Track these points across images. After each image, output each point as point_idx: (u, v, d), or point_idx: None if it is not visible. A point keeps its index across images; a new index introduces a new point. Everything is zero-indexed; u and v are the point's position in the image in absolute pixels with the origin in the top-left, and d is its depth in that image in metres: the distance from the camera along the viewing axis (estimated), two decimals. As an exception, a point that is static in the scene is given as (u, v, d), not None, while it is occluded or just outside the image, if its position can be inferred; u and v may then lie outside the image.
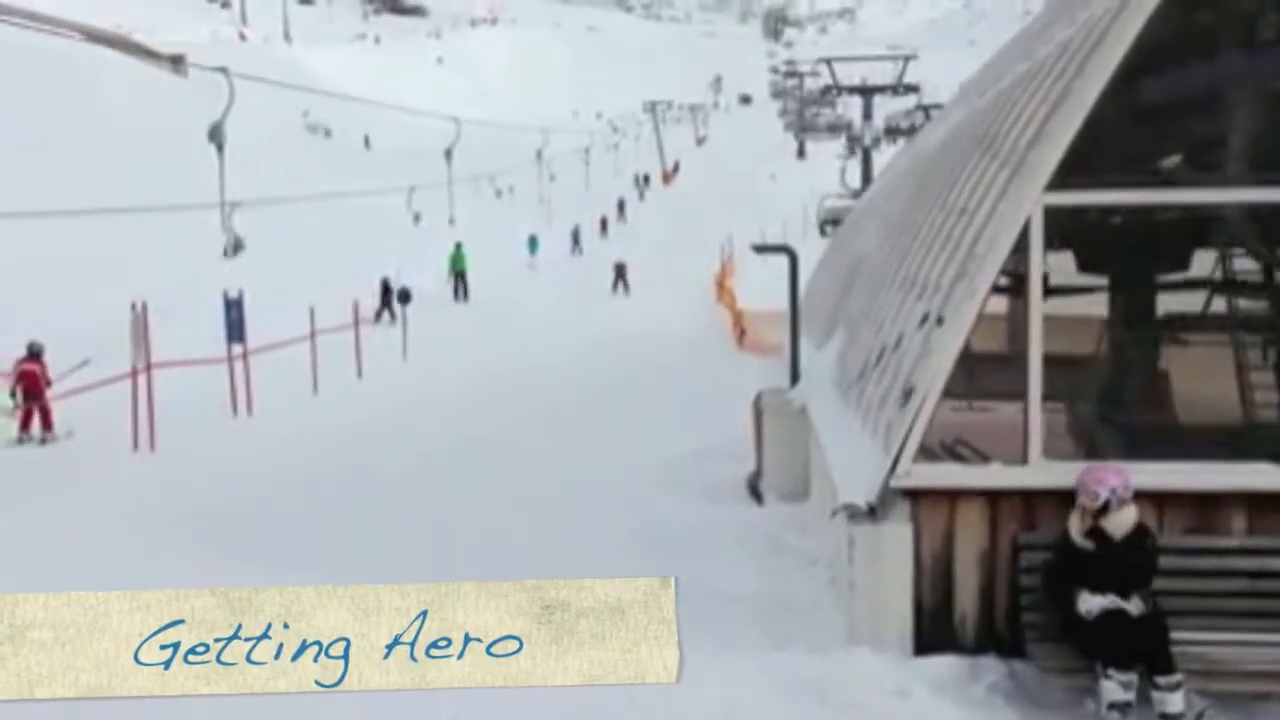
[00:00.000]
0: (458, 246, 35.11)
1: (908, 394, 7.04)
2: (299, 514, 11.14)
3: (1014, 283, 7.35)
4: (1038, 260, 6.80)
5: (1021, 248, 6.71)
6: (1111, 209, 7.95)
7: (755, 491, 11.36)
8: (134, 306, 15.62)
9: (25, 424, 15.89)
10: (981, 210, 7.45)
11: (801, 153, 76.13)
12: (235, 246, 26.03)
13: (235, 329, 18.22)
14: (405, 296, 25.67)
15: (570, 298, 34.29)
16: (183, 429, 15.21)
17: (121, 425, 14.82)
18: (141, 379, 15.11)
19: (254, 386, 17.82)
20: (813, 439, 10.30)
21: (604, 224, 52.38)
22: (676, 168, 79.75)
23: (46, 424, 15.90)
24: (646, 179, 72.46)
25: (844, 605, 7.39)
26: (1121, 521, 5.95)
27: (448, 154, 38.90)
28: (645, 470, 12.52)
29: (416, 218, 41.86)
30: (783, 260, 14.23)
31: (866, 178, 36.33)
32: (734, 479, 11.60)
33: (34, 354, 16.27)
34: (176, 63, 25.88)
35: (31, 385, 15.91)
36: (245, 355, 17.96)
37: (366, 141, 36.92)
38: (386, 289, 28.83)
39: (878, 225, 13.98)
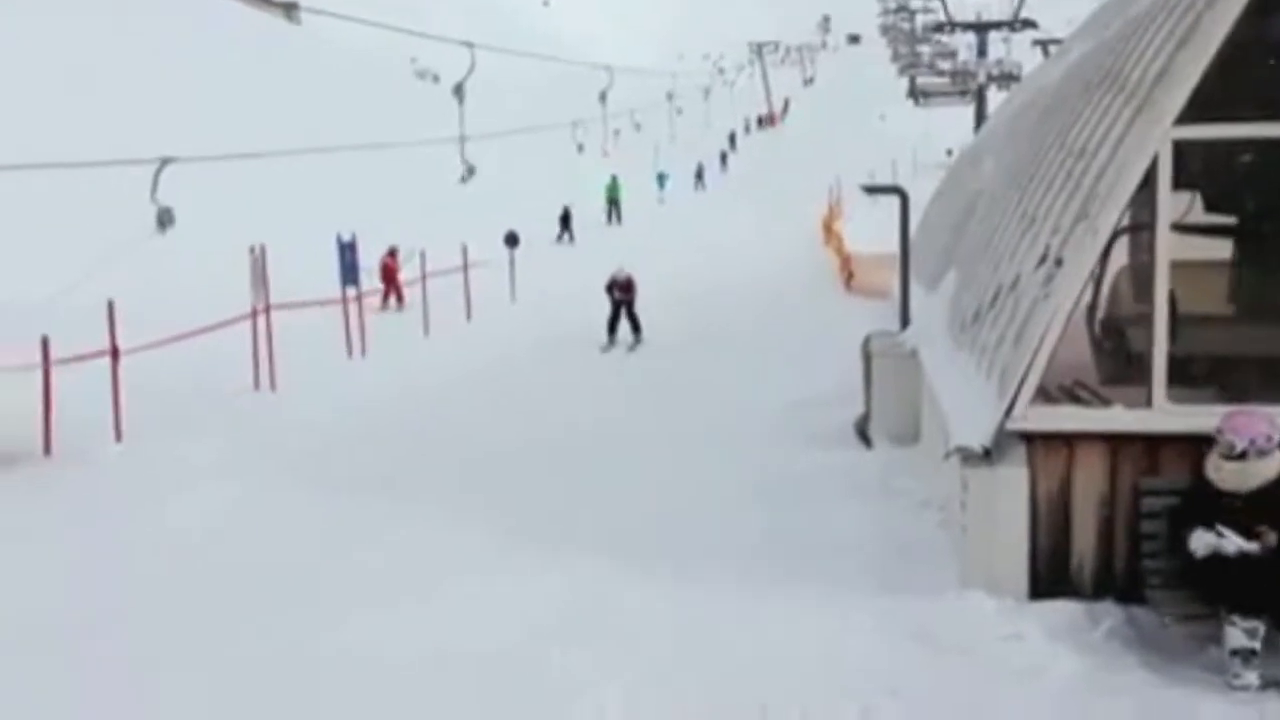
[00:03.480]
0: (613, 178, 40.88)
1: (1023, 335, 6.89)
2: (408, 450, 11.40)
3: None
4: (1165, 198, 6.59)
5: (1147, 185, 6.50)
6: (1242, 144, 7.62)
7: (864, 435, 11.26)
8: (252, 249, 16.03)
9: (385, 299, 23.42)
10: (1104, 148, 7.21)
11: (912, 92, 74.37)
12: (470, 173, 33.63)
13: (349, 272, 18.60)
14: (513, 240, 25.87)
15: (692, 233, 34.81)
16: (302, 369, 15.60)
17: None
18: (261, 320, 15.54)
19: (369, 327, 18.21)
20: (924, 382, 10.16)
21: (700, 173, 52.05)
22: (785, 109, 78.64)
23: (400, 299, 23.54)
24: (760, 120, 71.87)
25: (956, 549, 7.32)
26: (1258, 472, 5.74)
27: (602, 96, 47.38)
28: (752, 414, 12.50)
29: (581, 147, 48.55)
30: (892, 202, 13.97)
31: (980, 117, 35.36)
32: (842, 423, 11.50)
33: (391, 252, 23.93)
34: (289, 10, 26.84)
35: (388, 273, 23.49)
36: (360, 297, 18.36)
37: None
38: (566, 215, 35.71)
39: (994, 163, 13.61)
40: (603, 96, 47.88)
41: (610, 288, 18.95)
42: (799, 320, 19.99)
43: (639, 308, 18.97)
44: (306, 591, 7.43)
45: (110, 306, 12.83)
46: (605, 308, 18.92)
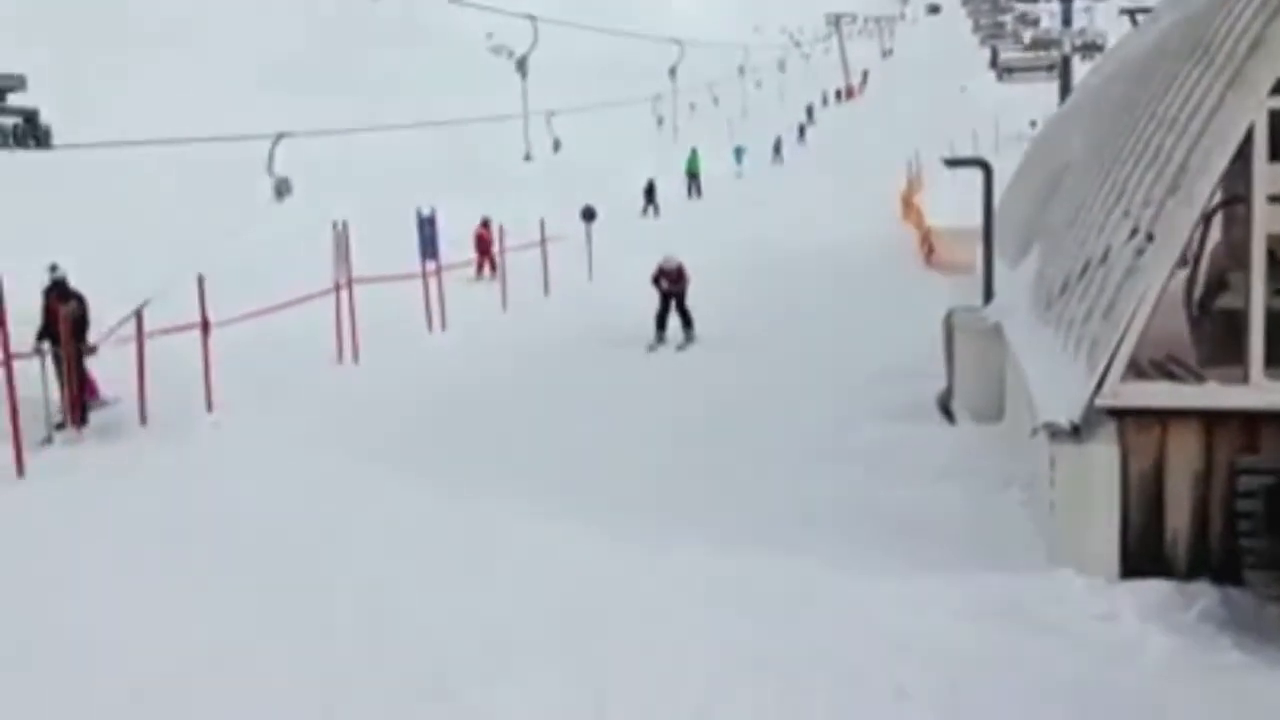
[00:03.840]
0: (693, 152, 40.92)
1: (1114, 309, 6.76)
2: (482, 430, 11.53)
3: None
4: (1262, 169, 6.42)
5: (1241, 157, 6.34)
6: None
7: (946, 410, 11.14)
8: (334, 225, 16.25)
9: (480, 268, 23.95)
10: (1195, 120, 7.03)
11: (994, 63, 72.92)
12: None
13: (428, 246, 18.77)
14: (590, 214, 25.88)
15: (769, 207, 34.79)
16: (384, 342, 15.81)
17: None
18: (344, 294, 15.77)
19: (448, 301, 18.38)
20: (1008, 357, 10.02)
21: (778, 147, 51.62)
22: (864, 81, 77.63)
23: (493, 268, 23.56)
24: (839, 93, 71.18)
25: (1042, 527, 7.23)
26: None
27: (672, 71, 47.63)
28: (831, 388, 12.44)
29: (660, 120, 50.04)
30: (972, 175, 13.72)
31: (1065, 88, 34.56)
32: (923, 398, 11.39)
33: (484, 223, 24.37)
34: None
35: (482, 243, 24.11)
36: (439, 271, 18.52)
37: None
38: (650, 188, 36.10)
39: (1081, 135, 13.32)
40: (672, 71, 47.70)
41: (657, 278, 17.26)
42: (877, 295, 19.80)
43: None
44: (383, 562, 7.55)
45: (200, 281, 13.11)
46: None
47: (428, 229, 18.83)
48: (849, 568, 6.89)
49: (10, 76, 11.51)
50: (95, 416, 12.17)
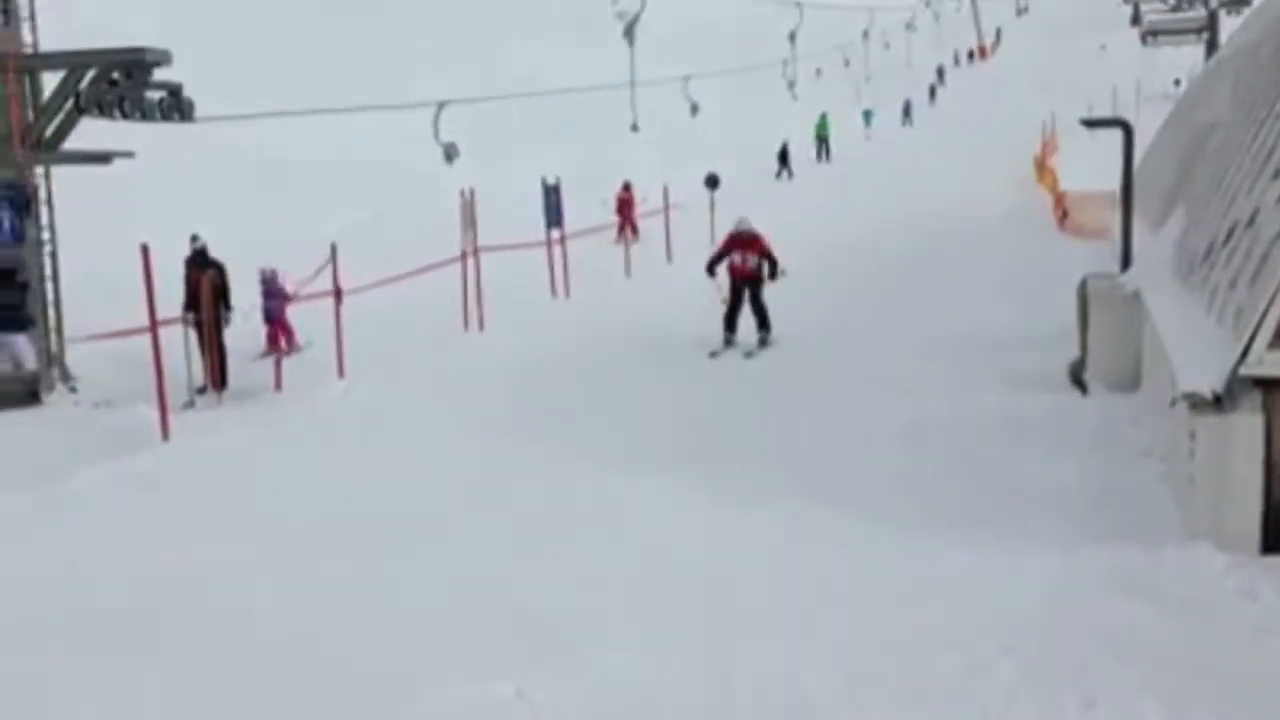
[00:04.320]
0: (823, 116, 40.76)
1: (1261, 274, 6.45)
2: (610, 394, 11.59)
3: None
4: None
5: None
6: None
7: (1079, 380, 10.81)
8: (462, 193, 16.50)
9: (621, 231, 24.02)
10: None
11: (1136, 19, 69.93)
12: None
13: (553, 214, 18.94)
14: (714, 182, 25.77)
15: (899, 170, 34.40)
16: (509, 309, 16.03)
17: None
18: (470, 261, 16.02)
19: (571, 268, 18.52)
20: (1146, 325, 9.67)
21: (907, 109, 50.55)
22: (997, 41, 75.39)
23: (634, 232, 23.97)
24: (971, 54, 69.36)
25: (1180, 500, 6.98)
26: None
27: (792, 36, 46.25)
28: (961, 355, 12.19)
29: (791, 85, 48.15)
30: (1110, 137, 13.22)
31: (1212, 45, 33.05)
32: (1055, 367, 11.08)
33: (626, 186, 24.91)
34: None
35: (624, 207, 24.54)
36: (563, 239, 18.66)
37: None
38: (784, 151, 36.34)
39: (1229, 94, 12.72)
40: (792, 36, 47.65)
41: (725, 252, 14.31)
42: (1008, 260, 19.32)
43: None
44: (509, 525, 7.67)
45: (333, 248, 13.47)
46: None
47: (552, 197, 19.00)
48: (976, 540, 6.76)
49: (157, 51, 11.95)
50: (234, 383, 12.63)
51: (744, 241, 14.28)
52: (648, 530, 7.36)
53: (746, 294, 14.18)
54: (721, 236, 15.20)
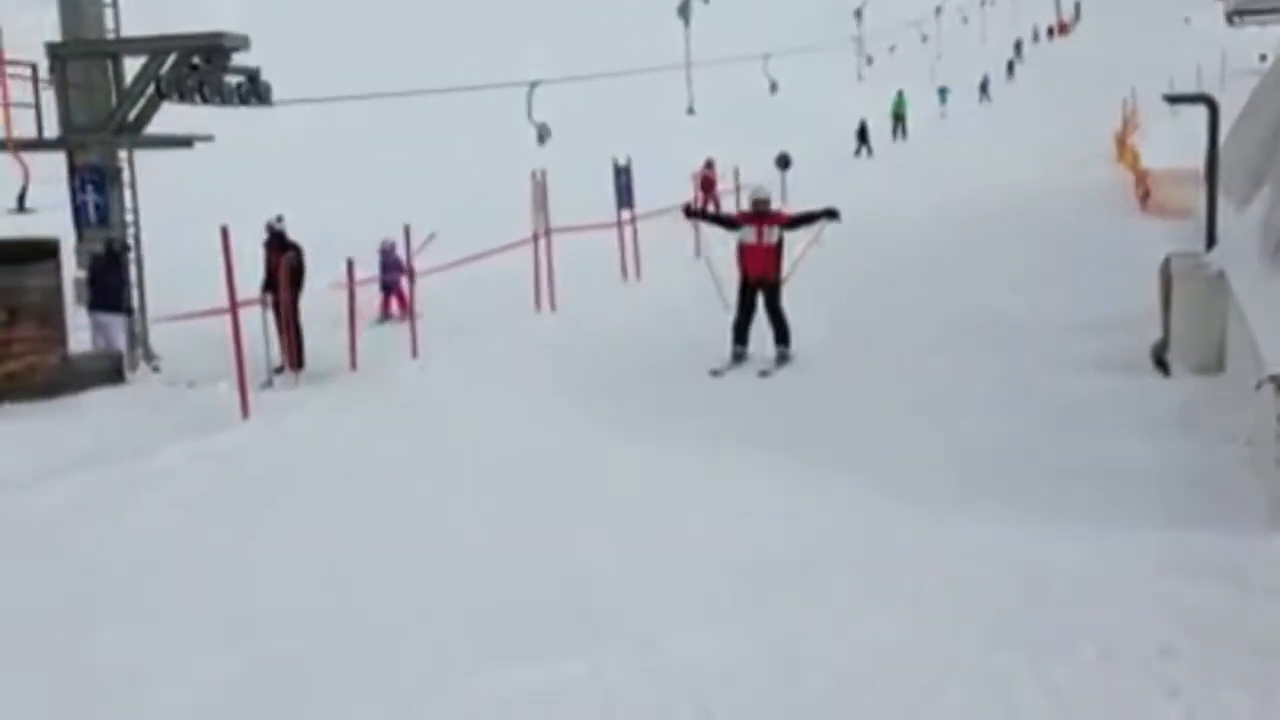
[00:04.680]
0: (899, 94, 40.45)
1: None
2: (677, 373, 11.56)
3: None
4: None
5: None
6: None
7: (1161, 362, 10.57)
8: (534, 175, 16.56)
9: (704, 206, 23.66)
10: None
11: (1220, -7, 67.91)
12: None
13: (624, 194, 18.94)
14: (785, 162, 25.64)
15: (975, 148, 34.14)
16: (580, 290, 16.08)
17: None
18: (541, 243, 16.09)
19: (642, 249, 18.51)
20: (1231, 306, 9.44)
21: (984, 86, 49.64)
22: (1077, 15, 73.84)
23: (717, 207, 23.03)
24: (1050, 29, 68.09)
25: (1266, 486, 6.81)
26: None
27: (858, 13, 47.53)
28: (1041, 337, 12.00)
29: (870, 60, 51.03)
30: (1193, 114, 12.88)
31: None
32: (1135, 349, 10.85)
33: (709, 164, 25.65)
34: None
35: (707, 184, 24.83)
36: (634, 220, 18.65)
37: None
38: (863, 129, 36.25)
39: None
40: (858, 13, 47.06)
41: (731, 222, 12.49)
42: (1087, 239, 18.95)
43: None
44: (579, 504, 7.70)
45: (406, 230, 13.62)
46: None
47: (623, 178, 18.99)
48: (1056, 520, 6.66)
49: (235, 36, 12.17)
50: (310, 363, 12.83)
51: (760, 215, 11.94)
52: (722, 512, 7.35)
53: (760, 298, 11.82)
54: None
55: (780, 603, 5.84)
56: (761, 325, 11.88)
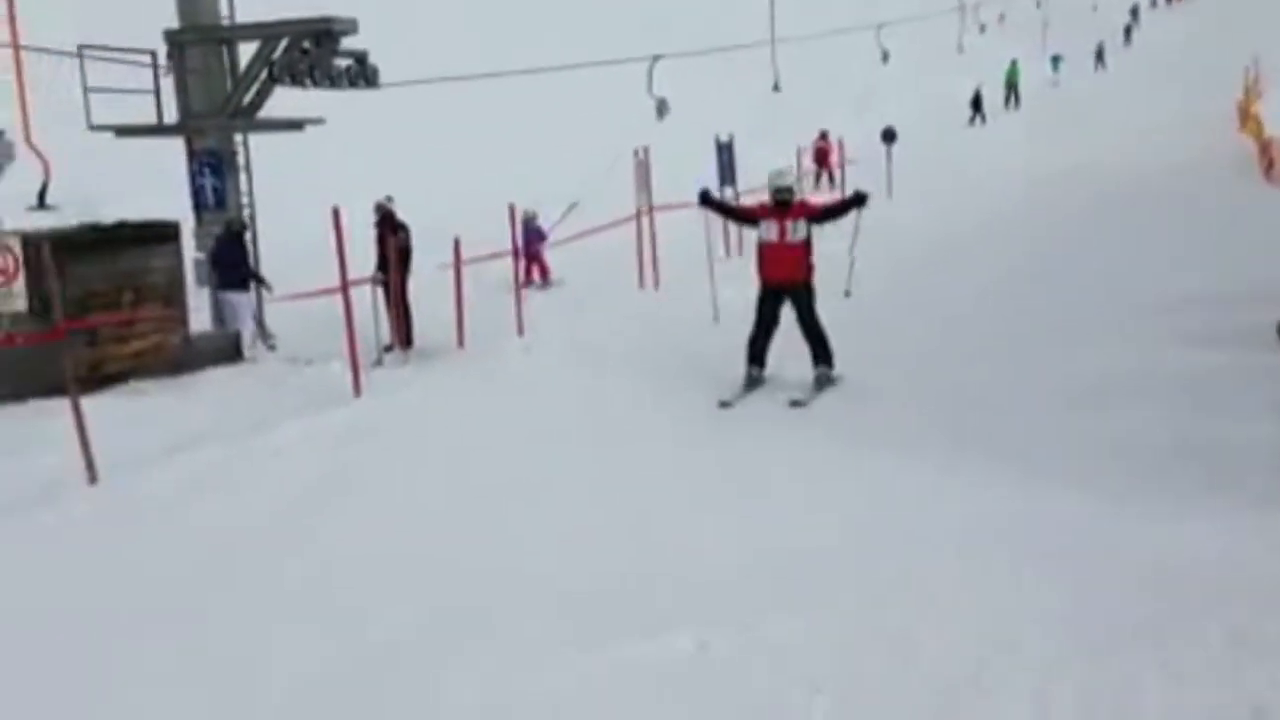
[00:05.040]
0: (1013, 63, 40.32)
1: None
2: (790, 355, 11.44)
3: None
4: None
5: None
6: None
7: (1289, 338, 10.17)
8: (636, 152, 16.56)
9: (818, 180, 25.38)
10: None
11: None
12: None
13: (726, 172, 18.84)
14: (891, 136, 25.24)
15: (1089, 117, 33.70)
16: (683, 268, 16.05)
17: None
18: (645, 221, 16.10)
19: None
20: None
21: (1100, 53, 48.16)
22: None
23: (831, 179, 24.76)
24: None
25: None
26: None
27: None
28: (1161, 311, 11.64)
29: (983, 28, 51.18)
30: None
31: None
32: (1256, 324, 10.45)
33: (823, 135, 26.24)
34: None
35: (822, 155, 26.12)
36: (737, 197, 18.53)
37: None
38: (977, 98, 36.55)
39: None
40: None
41: (749, 217, 10.34)
42: (1208, 210, 18.35)
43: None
44: (678, 486, 7.71)
45: (510, 209, 13.74)
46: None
47: (725, 155, 18.90)
48: (1182, 496, 6.47)
49: (344, 20, 12.40)
50: (419, 341, 13.05)
51: (782, 208, 9.82)
52: (834, 494, 7.28)
53: (790, 307, 9.91)
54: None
55: (893, 593, 5.75)
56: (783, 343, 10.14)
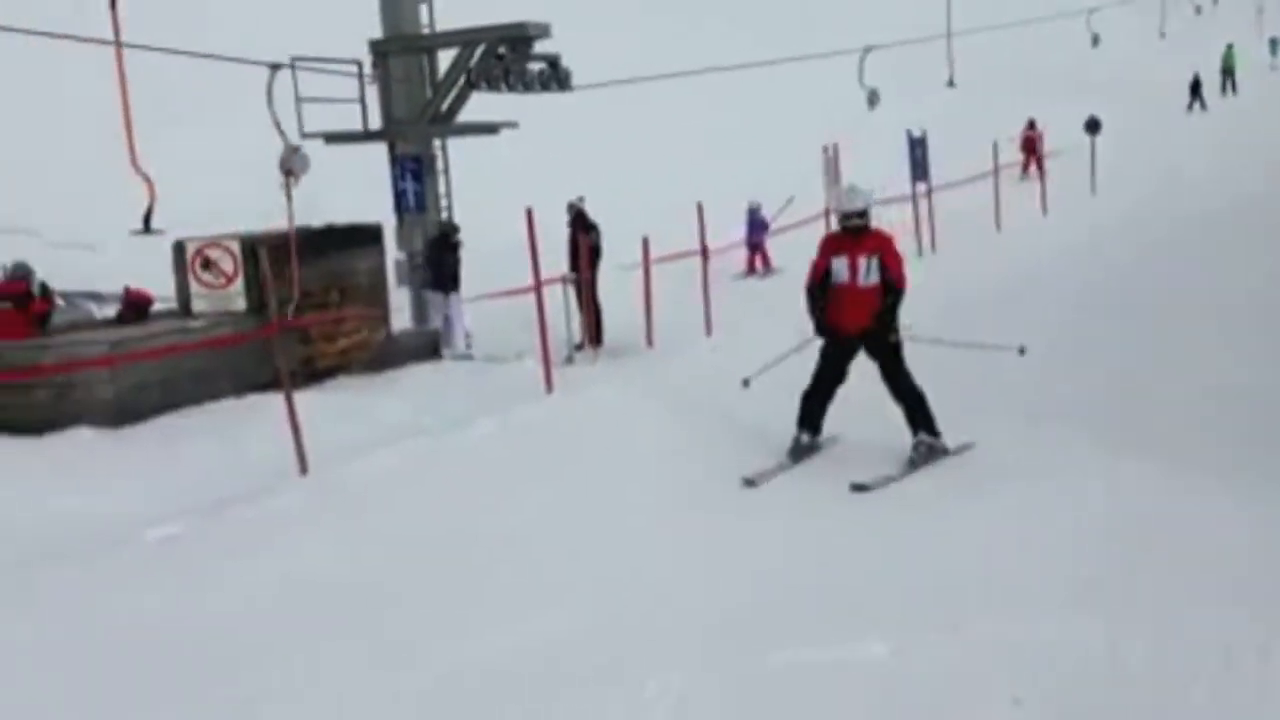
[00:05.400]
0: (1229, 47, 39.13)
1: None
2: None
3: None
4: None
5: None
6: None
7: None
8: (825, 149, 16.41)
9: (1025, 169, 25.11)
10: None
11: None
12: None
13: (919, 167, 18.47)
14: (1095, 126, 24.25)
15: None
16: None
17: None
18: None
19: (941, 224, 18.02)
20: None
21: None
22: None
23: (1040, 169, 24.21)
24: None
25: None
26: None
27: None
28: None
29: (1198, 9, 49.26)
30: None
31: None
32: None
33: (1030, 124, 25.61)
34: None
35: (1029, 144, 25.51)
36: (929, 193, 18.17)
37: None
38: (1196, 83, 35.72)
39: None
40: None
41: (825, 266, 8.00)
42: None
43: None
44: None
45: (699, 208, 13.75)
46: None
47: (918, 150, 18.53)
48: None
49: (538, 25, 12.70)
50: (608, 340, 13.23)
51: (851, 239, 7.92)
52: (1048, 494, 7.04)
53: (871, 358, 8.00)
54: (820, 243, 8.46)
55: (1100, 595, 5.53)
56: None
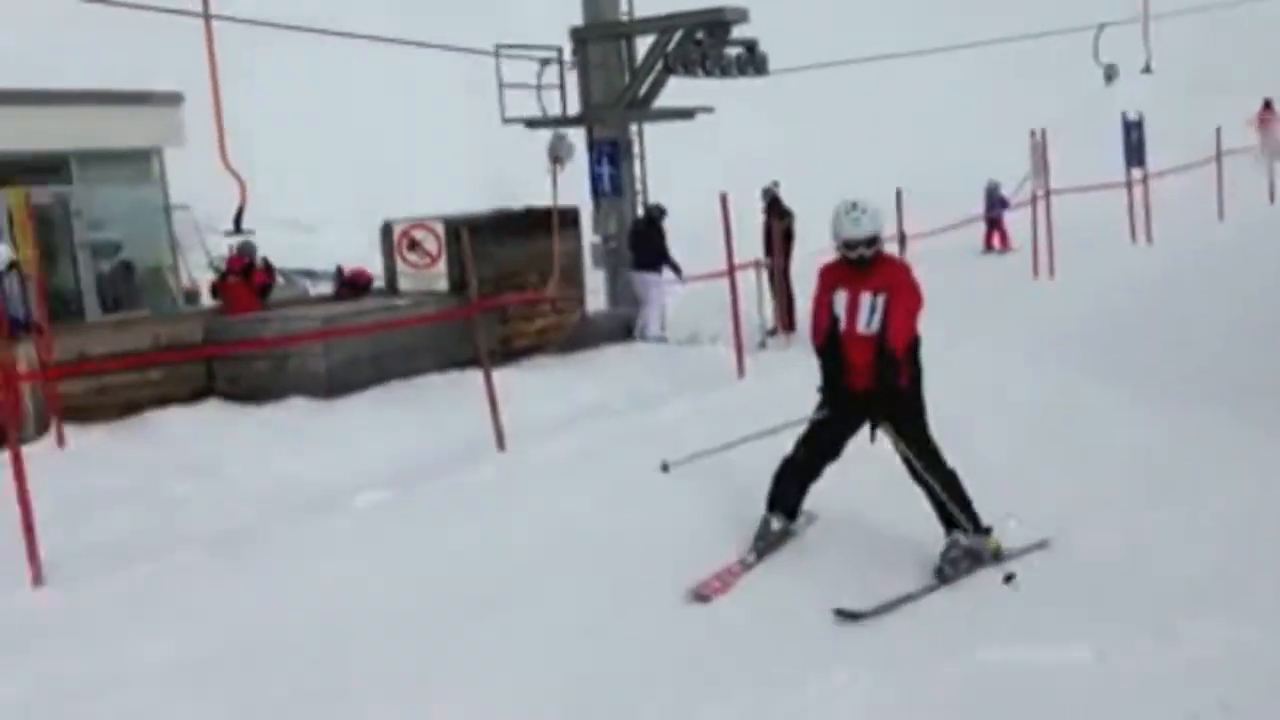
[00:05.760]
0: None
1: None
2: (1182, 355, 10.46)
3: None
4: None
5: None
6: None
7: None
8: (1033, 134, 15.80)
9: (1264, 149, 23.39)
10: None
11: None
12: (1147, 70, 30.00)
13: (1134, 152, 17.62)
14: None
15: None
16: (1084, 254, 15.17)
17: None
18: (1040, 205, 15.35)
19: (1153, 212, 17.15)
20: None
21: None
22: None
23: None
24: None
25: None
26: None
27: None
28: None
29: None
30: None
31: None
32: None
33: (1267, 104, 24.90)
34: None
35: (1266, 125, 24.32)
36: (1145, 180, 17.31)
37: None
38: None
39: None
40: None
41: (827, 300, 6.03)
42: None
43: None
44: (1081, 477, 7.27)
45: (898, 194, 13.39)
46: None
47: (1134, 134, 17.68)
48: None
49: (735, 10, 12.69)
50: (801, 326, 13.10)
51: (854, 271, 5.94)
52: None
53: (881, 423, 5.96)
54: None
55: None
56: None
